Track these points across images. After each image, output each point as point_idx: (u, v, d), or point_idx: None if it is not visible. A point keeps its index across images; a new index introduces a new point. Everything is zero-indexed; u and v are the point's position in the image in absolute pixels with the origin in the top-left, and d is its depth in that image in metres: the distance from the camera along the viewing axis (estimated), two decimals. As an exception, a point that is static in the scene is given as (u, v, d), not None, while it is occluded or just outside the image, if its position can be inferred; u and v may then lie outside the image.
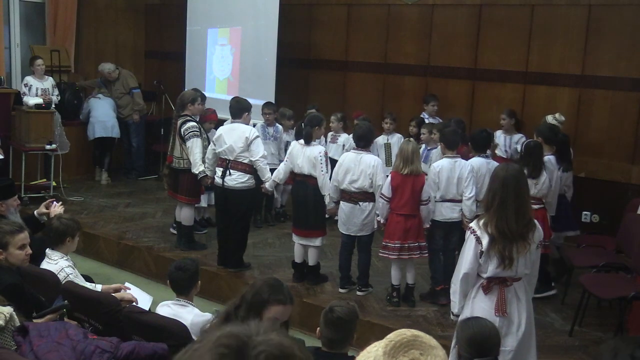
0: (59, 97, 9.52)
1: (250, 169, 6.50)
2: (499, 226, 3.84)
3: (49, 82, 9.39)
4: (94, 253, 7.68)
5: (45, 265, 4.61)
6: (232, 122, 6.71)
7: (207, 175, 6.79)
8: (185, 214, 7.21)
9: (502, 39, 8.29)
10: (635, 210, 6.13)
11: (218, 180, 6.58)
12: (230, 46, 10.17)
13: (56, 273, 4.47)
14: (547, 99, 7.80)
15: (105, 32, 11.39)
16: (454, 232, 6.03)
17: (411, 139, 6.27)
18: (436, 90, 8.85)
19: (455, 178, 5.87)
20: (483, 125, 7.45)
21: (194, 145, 6.83)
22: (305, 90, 9.85)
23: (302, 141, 6.24)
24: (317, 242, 6.29)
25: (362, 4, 9.43)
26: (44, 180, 9.17)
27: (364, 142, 6.04)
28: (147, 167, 10.66)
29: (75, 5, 10.77)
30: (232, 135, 6.49)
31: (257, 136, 6.53)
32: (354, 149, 6.18)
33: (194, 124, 6.95)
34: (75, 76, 10.79)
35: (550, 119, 6.70)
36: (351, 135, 7.98)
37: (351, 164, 5.95)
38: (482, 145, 6.22)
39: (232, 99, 7.00)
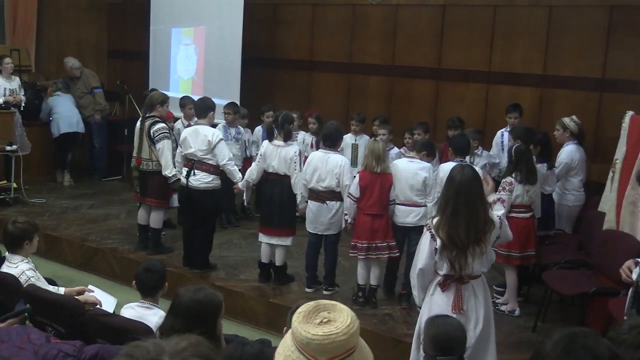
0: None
1: (214, 169, 6.50)
2: (450, 234, 3.87)
3: (16, 82, 9.23)
4: (57, 255, 7.55)
5: (5, 269, 4.52)
6: (196, 123, 6.68)
7: (179, 178, 6.71)
8: (155, 217, 7.10)
9: (465, 39, 8.37)
10: (595, 208, 6.25)
11: (183, 180, 6.56)
12: (195, 46, 10.11)
13: (17, 276, 4.39)
14: (510, 99, 7.89)
15: (67, 31, 11.22)
16: (413, 237, 5.85)
17: (377, 138, 6.30)
18: (401, 90, 8.91)
19: (411, 179, 5.81)
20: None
21: (165, 147, 6.74)
22: (270, 90, 9.83)
23: (275, 141, 6.23)
24: (288, 241, 6.32)
25: (327, 3, 9.45)
26: (5, 182, 8.99)
27: (330, 142, 6.07)
28: (110, 168, 10.53)
29: (35, 3, 10.62)
30: (196, 139, 6.48)
31: (221, 139, 6.51)
32: (321, 148, 6.19)
33: (164, 125, 6.86)
34: (36, 76, 10.63)
35: (567, 120, 6.74)
36: (309, 133, 8.11)
37: (319, 163, 5.97)
38: (463, 149, 5.96)
39: (198, 98, 6.96)
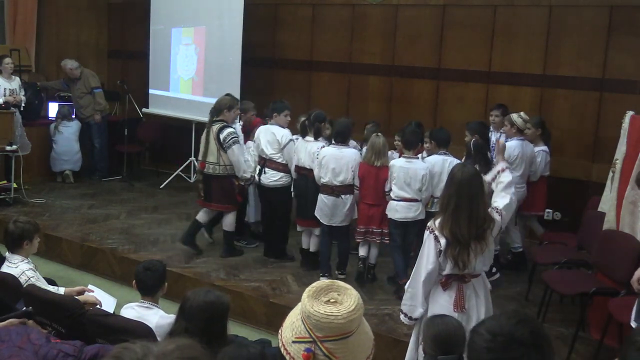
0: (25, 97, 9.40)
1: (283, 167, 6.81)
2: (453, 230, 3.88)
3: (16, 82, 9.23)
4: (57, 255, 7.55)
5: (5, 269, 4.53)
6: (270, 123, 6.94)
7: (254, 177, 7.04)
8: (227, 220, 7.04)
9: (465, 39, 8.37)
10: (595, 208, 6.25)
11: (257, 178, 6.92)
12: (195, 46, 10.11)
13: (17, 276, 4.40)
14: (510, 99, 7.89)
15: (67, 31, 11.21)
16: (410, 230, 6.19)
17: (379, 134, 6.40)
18: (400, 90, 8.91)
19: (410, 178, 6.01)
20: (448, 124, 7.54)
21: (239, 152, 6.83)
22: (270, 90, 9.82)
23: (307, 137, 6.58)
24: (317, 231, 6.62)
25: (327, 3, 9.45)
26: (5, 182, 8.99)
27: (341, 138, 6.32)
28: (110, 168, 10.53)
29: (35, 3, 10.61)
30: (267, 137, 6.82)
31: (290, 140, 6.78)
32: (333, 144, 6.37)
33: (232, 130, 6.85)
34: (36, 76, 10.63)
35: (515, 116, 6.78)
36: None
37: (333, 159, 6.21)
38: (444, 141, 6.30)
39: (278, 99, 7.17)
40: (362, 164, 6.21)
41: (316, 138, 6.56)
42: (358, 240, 6.38)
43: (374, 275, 6.54)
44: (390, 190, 6.09)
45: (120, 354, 1.49)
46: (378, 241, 6.31)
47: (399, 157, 6.35)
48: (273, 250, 7.11)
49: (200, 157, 7.07)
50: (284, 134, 6.79)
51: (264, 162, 6.85)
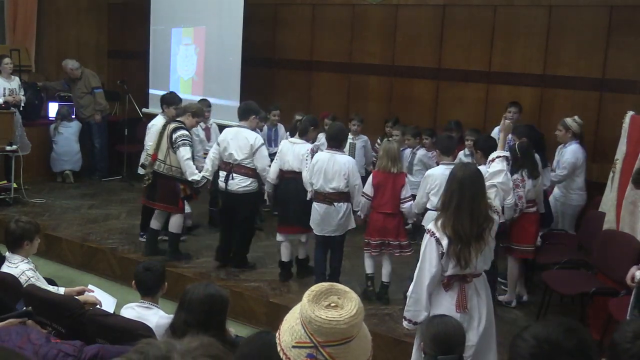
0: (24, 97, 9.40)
1: (253, 172, 6.54)
2: (456, 228, 3.86)
3: (15, 82, 9.24)
4: (57, 256, 7.55)
5: (5, 269, 4.52)
6: (238, 126, 6.67)
7: (208, 180, 6.77)
8: (173, 221, 6.90)
9: (465, 39, 8.37)
10: (595, 208, 6.25)
11: (222, 184, 6.59)
12: (195, 45, 10.11)
13: (17, 276, 4.39)
14: (510, 99, 7.88)
15: (67, 31, 11.22)
16: None
17: (391, 138, 6.27)
18: (401, 90, 8.91)
19: None
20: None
21: (187, 154, 6.64)
22: (270, 90, 9.82)
23: (292, 139, 6.39)
24: (303, 237, 6.43)
25: (327, 3, 9.45)
26: (5, 182, 8.99)
27: (335, 142, 6.07)
28: (110, 168, 10.53)
29: (35, 3, 10.63)
30: (237, 141, 6.51)
31: (262, 144, 6.57)
32: (327, 148, 6.19)
33: (186, 132, 6.74)
34: (36, 76, 10.64)
35: (570, 121, 6.75)
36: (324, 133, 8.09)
37: (325, 164, 5.94)
38: (491, 149, 5.78)
39: (243, 102, 6.90)
40: (377, 172, 5.92)
41: (301, 136, 6.38)
42: (374, 254, 6.01)
43: (387, 297, 6.08)
44: (408, 197, 5.87)
45: (144, 349, 1.49)
46: (397, 254, 5.97)
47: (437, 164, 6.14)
48: (233, 258, 6.79)
49: (151, 150, 6.96)
50: (256, 137, 6.54)
51: (231, 167, 6.52)
